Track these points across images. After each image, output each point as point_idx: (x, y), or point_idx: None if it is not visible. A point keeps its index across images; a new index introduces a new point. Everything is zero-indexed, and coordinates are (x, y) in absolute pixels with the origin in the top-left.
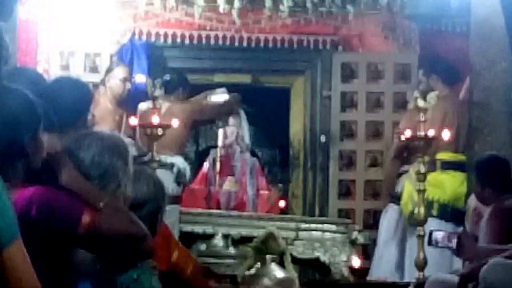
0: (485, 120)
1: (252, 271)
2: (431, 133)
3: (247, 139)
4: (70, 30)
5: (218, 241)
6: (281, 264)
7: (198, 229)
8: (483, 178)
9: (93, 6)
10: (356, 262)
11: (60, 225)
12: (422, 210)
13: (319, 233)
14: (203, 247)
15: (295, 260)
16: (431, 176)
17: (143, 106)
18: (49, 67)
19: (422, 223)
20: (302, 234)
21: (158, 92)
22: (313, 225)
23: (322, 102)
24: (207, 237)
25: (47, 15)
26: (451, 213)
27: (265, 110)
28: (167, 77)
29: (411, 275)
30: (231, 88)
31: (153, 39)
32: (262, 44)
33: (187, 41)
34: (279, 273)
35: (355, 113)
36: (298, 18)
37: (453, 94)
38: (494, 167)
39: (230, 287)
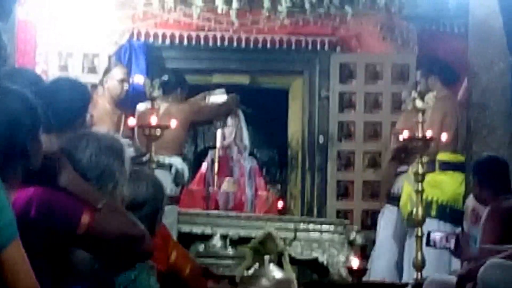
0: (483, 121)
1: (250, 271)
2: (429, 134)
3: (245, 140)
4: (68, 30)
5: (217, 242)
6: (279, 264)
7: (197, 229)
8: (481, 179)
9: (91, 6)
10: (355, 262)
11: (59, 225)
12: (420, 210)
13: (317, 233)
14: (201, 247)
15: (293, 261)
16: (430, 177)
17: (141, 106)
18: (48, 68)
19: (420, 223)
20: (300, 234)
21: (157, 92)
22: (311, 226)
23: (320, 103)
24: (206, 238)
25: (45, 16)
26: (450, 213)
27: (264, 111)
28: (165, 77)
29: (409, 275)
30: (229, 88)
31: (151, 39)
32: (260, 45)
33: (185, 42)
34: (277, 273)
35: (353, 114)
36: (296, 19)
37: (451, 95)
38: (492, 167)
39: None
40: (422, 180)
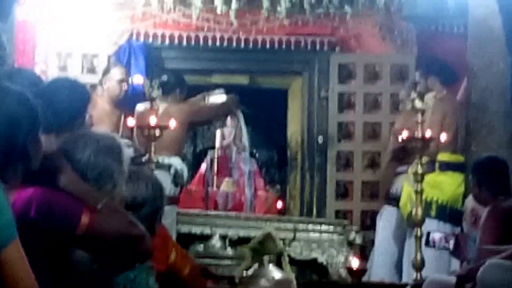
0: (482, 121)
1: (250, 272)
2: (428, 134)
3: (244, 140)
4: (67, 31)
5: (216, 242)
6: (279, 265)
7: (196, 230)
8: (480, 179)
9: (90, 7)
10: (354, 263)
11: (59, 225)
12: (419, 211)
13: (316, 234)
14: (200, 248)
15: (292, 261)
16: (429, 177)
17: (140, 107)
18: (47, 68)
19: (420, 224)
20: (299, 235)
21: (156, 93)
22: (310, 226)
23: (319, 103)
24: (205, 238)
25: (45, 16)
26: (449, 214)
27: (263, 111)
28: (164, 78)
29: (409, 276)
30: (228, 89)
31: (150, 40)
32: (259, 45)
33: (184, 42)
34: (276, 274)
35: (353, 114)
36: (295, 19)
37: (451, 95)
38: (491, 168)
39: None
40: (421, 181)
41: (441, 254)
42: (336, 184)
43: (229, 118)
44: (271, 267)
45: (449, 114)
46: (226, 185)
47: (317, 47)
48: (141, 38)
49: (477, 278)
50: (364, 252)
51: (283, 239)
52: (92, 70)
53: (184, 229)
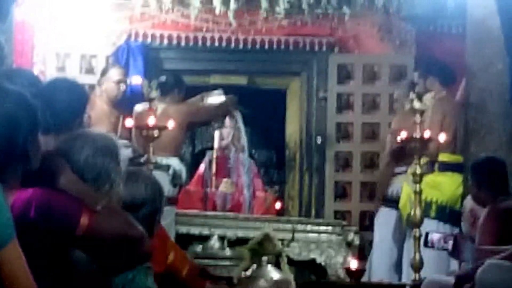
0: (481, 122)
1: (248, 272)
2: (427, 134)
3: (243, 141)
4: (66, 31)
5: (214, 243)
6: (277, 265)
7: (194, 230)
8: (479, 180)
9: (89, 7)
10: (353, 263)
11: (58, 226)
12: (418, 211)
13: (315, 234)
14: (199, 248)
15: (291, 262)
16: (429, 178)
17: (139, 107)
18: (45, 69)
19: (418, 224)
20: (298, 235)
21: (154, 93)
22: (309, 227)
23: (318, 104)
24: (203, 239)
25: (43, 17)
26: (449, 214)
27: (261, 112)
28: (163, 78)
29: (408, 276)
30: (227, 89)
31: (149, 40)
32: (258, 46)
33: (183, 43)
34: (275, 274)
35: (351, 115)
36: (294, 20)
37: (450, 96)
38: (490, 168)
39: None
40: (420, 181)
41: (440, 254)
42: (335, 184)
43: (227, 118)
44: (270, 267)
45: (448, 114)
46: (224, 186)
47: (316, 48)
48: (140, 39)
49: (475, 279)
50: (363, 252)
51: (282, 240)
52: (90, 71)
53: (183, 229)
